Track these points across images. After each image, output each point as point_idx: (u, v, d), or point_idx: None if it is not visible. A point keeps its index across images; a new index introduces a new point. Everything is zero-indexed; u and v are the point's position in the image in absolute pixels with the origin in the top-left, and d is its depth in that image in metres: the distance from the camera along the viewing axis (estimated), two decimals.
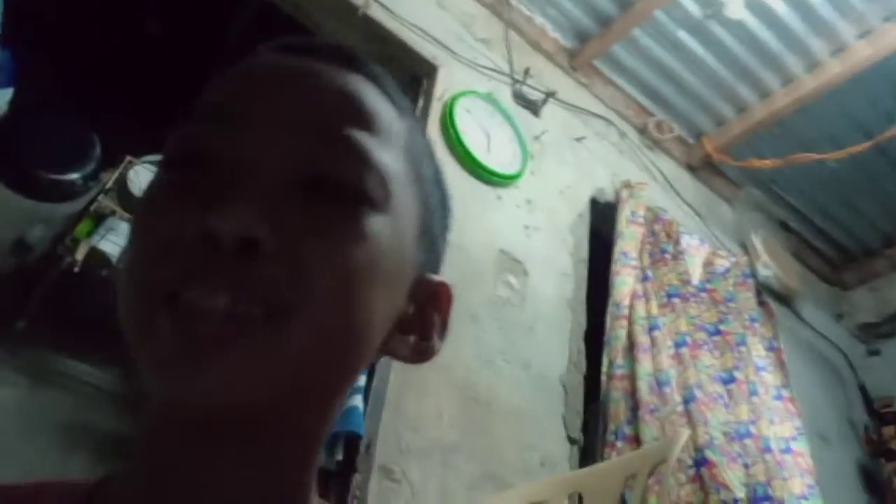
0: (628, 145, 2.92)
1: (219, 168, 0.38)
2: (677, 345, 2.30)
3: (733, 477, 2.01)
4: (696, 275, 2.59)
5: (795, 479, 2.14)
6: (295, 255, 0.36)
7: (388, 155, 0.41)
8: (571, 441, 1.96)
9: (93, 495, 0.42)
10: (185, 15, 3.26)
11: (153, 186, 0.40)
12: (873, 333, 3.28)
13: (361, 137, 0.40)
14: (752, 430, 2.19)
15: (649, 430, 2.01)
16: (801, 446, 2.25)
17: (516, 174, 2.37)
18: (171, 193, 0.39)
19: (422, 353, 0.45)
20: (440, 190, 0.49)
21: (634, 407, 2.08)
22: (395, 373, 1.73)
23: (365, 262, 0.38)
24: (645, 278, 2.43)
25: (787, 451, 2.21)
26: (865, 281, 3.40)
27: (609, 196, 2.64)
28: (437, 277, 0.47)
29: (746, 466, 2.09)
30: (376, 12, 2.32)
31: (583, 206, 2.55)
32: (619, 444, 1.98)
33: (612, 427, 2.03)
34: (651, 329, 2.28)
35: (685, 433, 1.52)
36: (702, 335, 2.40)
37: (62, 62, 2.82)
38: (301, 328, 0.36)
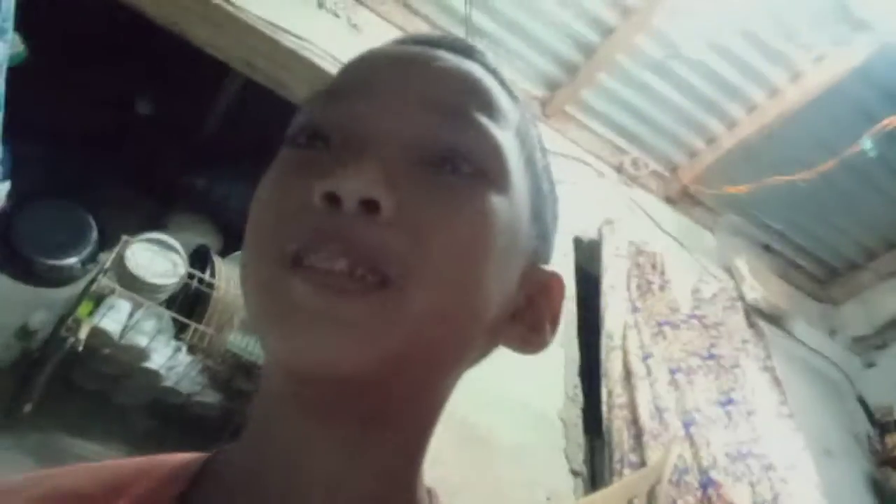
0: (607, 184, 3.01)
1: (345, 142, 0.40)
2: (672, 371, 2.33)
3: (741, 497, 2.03)
4: (685, 302, 2.65)
5: (802, 495, 2.15)
6: (413, 223, 0.37)
7: (505, 136, 0.42)
8: (575, 474, 1.98)
9: (204, 469, 0.43)
10: (173, 93, 3.42)
11: (279, 162, 0.41)
12: (867, 345, 3.32)
13: (484, 118, 0.41)
14: (754, 449, 2.21)
15: (654, 456, 2.03)
16: (804, 462, 2.27)
17: None
18: (296, 167, 0.40)
19: (532, 344, 0.45)
20: (550, 180, 0.49)
21: (637, 434, 2.10)
22: None
23: (481, 237, 0.39)
24: (635, 310, 2.49)
25: (791, 467, 2.22)
26: (853, 295, 3.46)
27: (592, 235, 2.72)
28: (548, 268, 0.47)
29: (752, 485, 2.11)
30: None
31: (566, 246, 2.63)
32: (625, 471, 2.00)
33: (617, 455, 2.05)
34: (645, 358, 2.33)
35: (676, 450, 1.56)
36: (695, 360, 2.44)
37: (54, 147, 2.95)
38: (415, 297, 0.36)
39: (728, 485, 2.03)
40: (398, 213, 0.36)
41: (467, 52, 0.46)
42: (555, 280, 0.46)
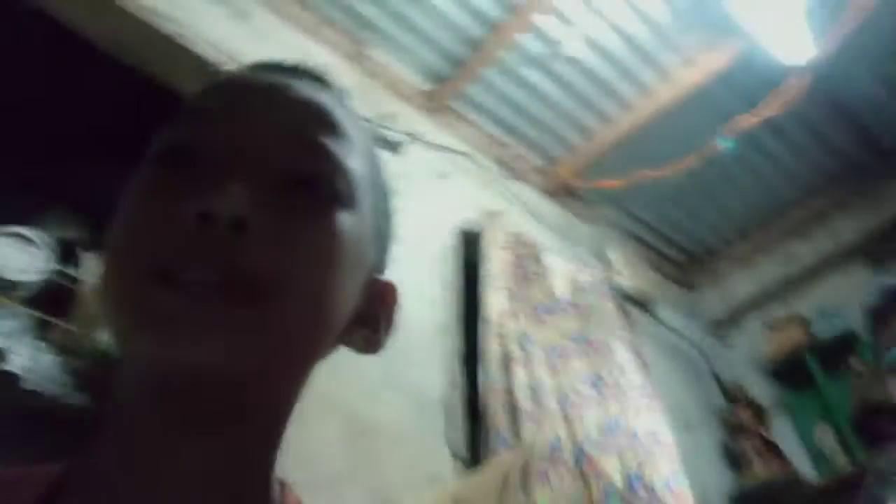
0: (490, 178, 3.11)
1: (211, 163, 0.42)
2: (549, 355, 2.47)
3: (611, 467, 2.20)
4: (562, 291, 2.80)
5: (663, 463, 2.35)
6: (277, 241, 0.40)
7: (354, 161, 0.47)
8: (456, 458, 2.06)
9: (62, 480, 0.43)
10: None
11: (144, 179, 0.43)
12: (722, 327, 3.65)
13: (334, 144, 0.46)
14: (622, 423, 2.38)
15: (529, 435, 2.15)
16: (665, 434, 2.47)
17: None
18: (163, 184, 0.42)
19: (372, 345, 0.51)
20: (390, 199, 0.55)
21: (514, 415, 2.21)
22: None
23: (336, 253, 0.43)
24: (514, 298, 2.60)
25: (654, 439, 2.42)
26: (711, 280, 3.78)
27: (475, 227, 2.81)
28: (385, 278, 0.53)
29: (620, 456, 2.28)
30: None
31: (450, 237, 2.70)
32: (501, 450, 2.10)
33: (494, 436, 2.15)
34: (523, 343, 2.44)
35: (549, 427, 1.66)
36: (571, 344, 2.59)
37: None
38: (282, 310, 0.39)
39: (598, 457, 2.19)
40: (263, 232, 0.40)
41: (320, 80, 0.52)
42: (390, 289, 0.53)
